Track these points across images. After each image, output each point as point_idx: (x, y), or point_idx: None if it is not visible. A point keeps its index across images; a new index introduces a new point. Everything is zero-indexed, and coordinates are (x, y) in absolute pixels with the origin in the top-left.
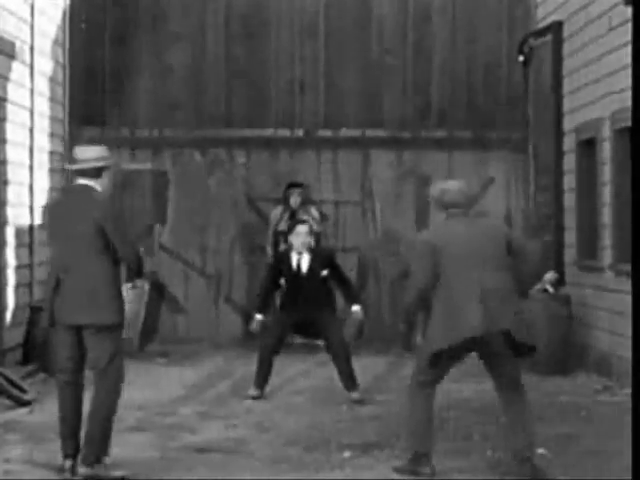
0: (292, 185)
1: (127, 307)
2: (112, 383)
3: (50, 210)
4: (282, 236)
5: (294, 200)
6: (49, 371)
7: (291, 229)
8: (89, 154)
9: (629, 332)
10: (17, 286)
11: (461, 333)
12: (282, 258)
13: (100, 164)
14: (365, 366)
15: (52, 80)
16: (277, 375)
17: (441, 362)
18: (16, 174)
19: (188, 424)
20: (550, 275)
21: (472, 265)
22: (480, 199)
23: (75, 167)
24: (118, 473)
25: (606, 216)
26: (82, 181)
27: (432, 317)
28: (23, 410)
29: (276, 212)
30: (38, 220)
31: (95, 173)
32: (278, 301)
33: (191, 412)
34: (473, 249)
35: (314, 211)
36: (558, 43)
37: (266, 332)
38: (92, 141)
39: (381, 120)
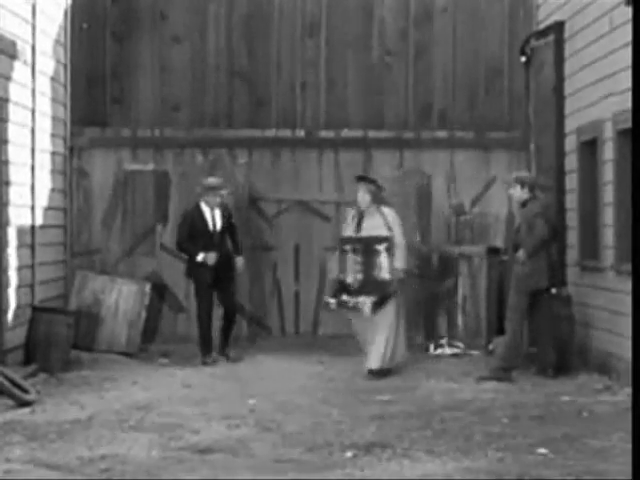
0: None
1: None
2: None
3: None
4: None
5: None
6: (50, 371)
7: None
8: None
9: (630, 332)
10: (19, 286)
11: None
12: None
13: None
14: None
15: (54, 80)
16: (278, 375)
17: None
18: (18, 174)
19: (189, 424)
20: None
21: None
22: (481, 199)
23: None
24: None
25: (607, 216)
26: None
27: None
28: (25, 410)
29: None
30: (40, 220)
31: None
32: None
33: (192, 412)
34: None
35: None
36: (559, 44)
37: None
38: (93, 141)
39: (383, 121)
